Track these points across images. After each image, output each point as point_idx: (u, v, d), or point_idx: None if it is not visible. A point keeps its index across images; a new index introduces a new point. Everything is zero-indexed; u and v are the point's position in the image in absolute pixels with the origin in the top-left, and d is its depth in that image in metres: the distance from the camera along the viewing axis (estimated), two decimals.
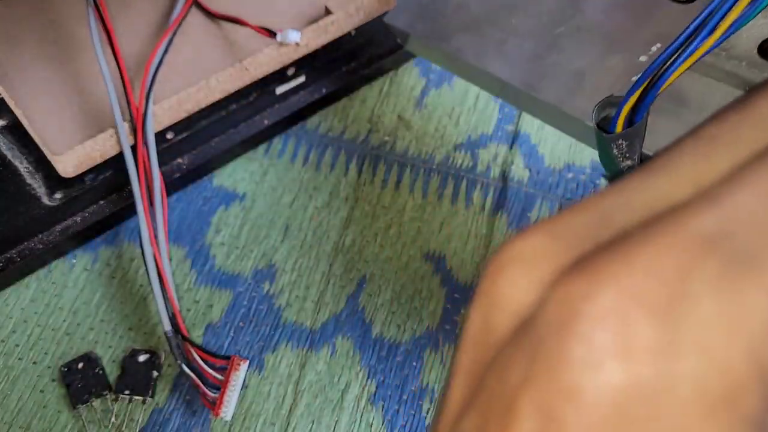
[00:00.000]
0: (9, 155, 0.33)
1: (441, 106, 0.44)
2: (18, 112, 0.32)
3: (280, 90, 0.41)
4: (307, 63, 0.40)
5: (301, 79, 0.41)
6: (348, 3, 0.40)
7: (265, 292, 0.38)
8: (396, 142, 0.43)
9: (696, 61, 0.22)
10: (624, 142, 0.24)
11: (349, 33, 0.41)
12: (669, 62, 0.22)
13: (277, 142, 0.42)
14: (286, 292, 0.38)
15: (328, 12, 0.41)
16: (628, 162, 0.25)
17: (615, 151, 0.25)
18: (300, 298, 0.38)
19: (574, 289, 0.11)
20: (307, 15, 0.41)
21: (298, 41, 0.38)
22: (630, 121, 0.24)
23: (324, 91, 0.42)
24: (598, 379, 0.10)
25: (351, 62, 0.43)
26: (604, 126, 0.25)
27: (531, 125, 0.43)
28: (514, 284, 0.12)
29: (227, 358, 0.33)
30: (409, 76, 0.45)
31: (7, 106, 0.32)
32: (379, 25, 0.42)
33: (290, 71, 0.40)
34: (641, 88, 0.23)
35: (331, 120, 0.43)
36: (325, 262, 0.39)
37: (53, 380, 0.36)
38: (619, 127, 0.24)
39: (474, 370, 0.13)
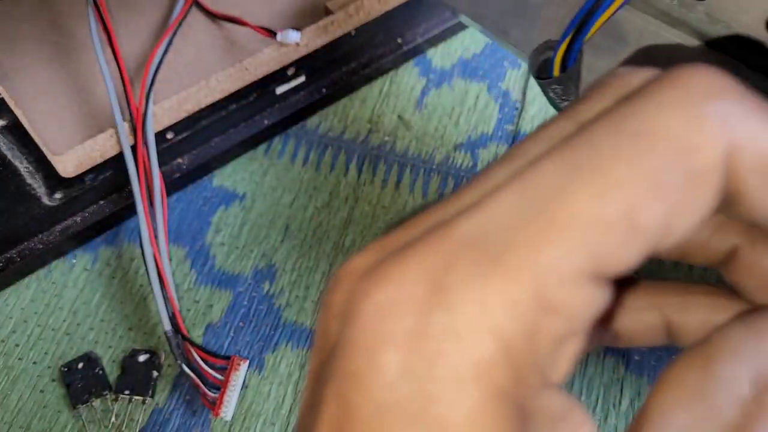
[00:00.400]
0: (9, 155, 0.33)
1: (441, 106, 0.44)
2: (18, 112, 0.32)
3: (280, 90, 0.41)
4: (307, 63, 0.40)
5: (301, 79, 0.41)
6: (348, 3, 0.40)
7: (265, 292, 0.38)
8: (396, 142, 0.43)
9: (617, 10, 0.22)
10: (558, 86, 0.24)
11: (349, 33, 0.41)
12: (595, 8, 0.22)
13: (277, 142, 0.42)
14: (286, 292, 0.38)
15: (328, 12, 0.41)
16: (566, 103, 0.24)
17: (552, 94, 0.24)
18: (300, 298, 0.38)
19: (359, 289, 0.13)
20: (307, 15, 0.41)
21: (298, 41, 0.38)
22: (565, 65, 0.24)
23: (324, 91, 0.42)
24: (375, 364, 0.12)
25: (351, 62, 0.43)
26: (544, 70, 0.24)
27: (531, 125, 0.43)
28: (343, 293, 0.14)
29: (227, 358, 0.33)
30: (409, 76, 0.45)
31: (7, 106, 0.32)
32: (379, 25, 0.42)
33: (290, 71, 0.40)
34: (572, 33, 0.23)
35: (331, 120, 0.43)
36: (325, 262, 0.39)
37: (53, 380, 0.36)
38: (556, 71, 0.24)
39: (316, 372, 0.14)
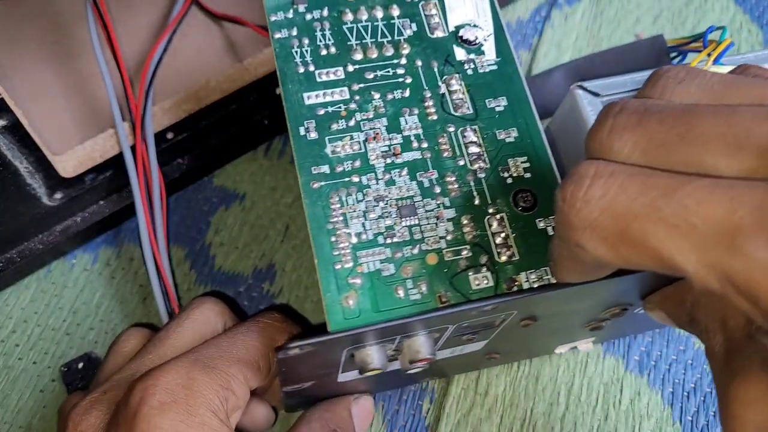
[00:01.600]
0: (9, 155, 0.33)
1: None
2: (18, 113, 0.32)
3: (280, 90, 0.41)
4: None
5: None
6: None
7: (265, 292, 0.38)
8: None
9: None
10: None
11: None
12: None
13: (277, 142, 0.42)
14: (286, 292, 0.38)
15: None
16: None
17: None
18: (300, 298, 0.38)
19: (136, 392, 0.25)
20: None
21: None
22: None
23: None
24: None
25: None
26: None
27: None
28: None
29: None
30: None
31: (7, 106, 0.32)
32: None
33: None
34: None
35: None
36: None
37: (53, 380, 0.36)
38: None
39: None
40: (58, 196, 0.36)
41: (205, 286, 0.38)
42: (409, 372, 0.26)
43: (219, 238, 0.39)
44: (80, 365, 0.36)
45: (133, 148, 0.36)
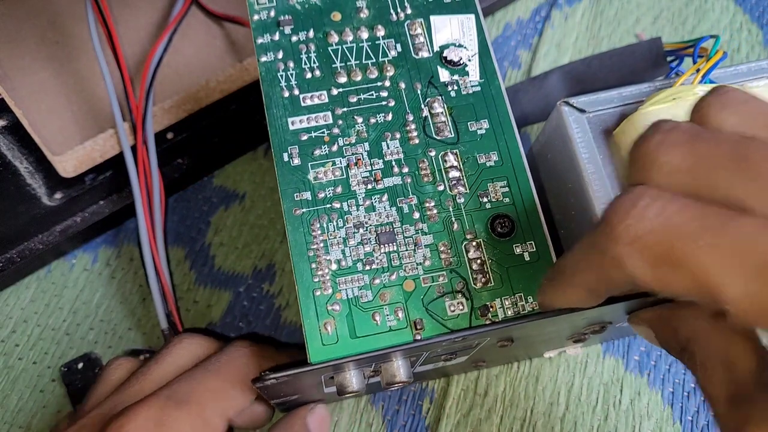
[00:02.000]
0: (9, 155, 0.33)
1: None
2: (18, 113, 0.32)
3: None
4: None
5: None
6: None
7: (265, 292, 0.38)
8: None
9: None
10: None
11: None
12: None
13: None
14: (286, 292, 0.38)
15: None
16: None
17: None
18: None
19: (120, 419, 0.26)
20: None
21: None
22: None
23: None
24: None
25: None
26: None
27: (530, 128, 0.43)
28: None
29: None
30: None
31: (7, 106, 0.32)
32: None
33: None
34: None
35: None
36: None
37: (53, 380, 0.36)
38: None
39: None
40: (58, 196, 0.36)
41: (205, 286, 0.38)
42: (390, 389, 0.26)
43: (219, 238, 0.39)
44: (80, 365, 0.36)
45: (134, 148, 0.36)
